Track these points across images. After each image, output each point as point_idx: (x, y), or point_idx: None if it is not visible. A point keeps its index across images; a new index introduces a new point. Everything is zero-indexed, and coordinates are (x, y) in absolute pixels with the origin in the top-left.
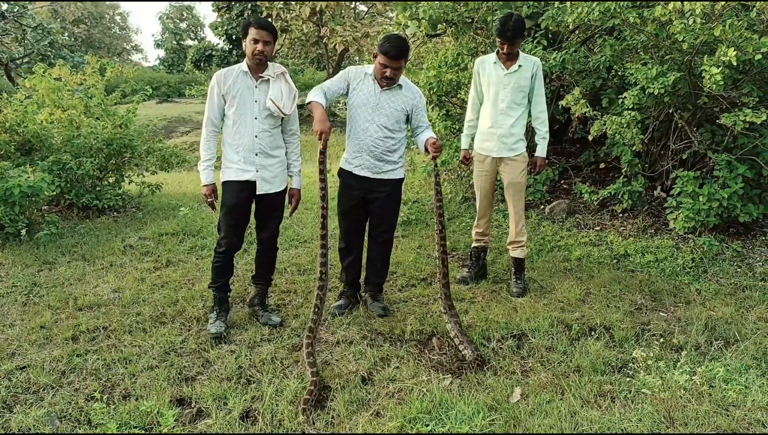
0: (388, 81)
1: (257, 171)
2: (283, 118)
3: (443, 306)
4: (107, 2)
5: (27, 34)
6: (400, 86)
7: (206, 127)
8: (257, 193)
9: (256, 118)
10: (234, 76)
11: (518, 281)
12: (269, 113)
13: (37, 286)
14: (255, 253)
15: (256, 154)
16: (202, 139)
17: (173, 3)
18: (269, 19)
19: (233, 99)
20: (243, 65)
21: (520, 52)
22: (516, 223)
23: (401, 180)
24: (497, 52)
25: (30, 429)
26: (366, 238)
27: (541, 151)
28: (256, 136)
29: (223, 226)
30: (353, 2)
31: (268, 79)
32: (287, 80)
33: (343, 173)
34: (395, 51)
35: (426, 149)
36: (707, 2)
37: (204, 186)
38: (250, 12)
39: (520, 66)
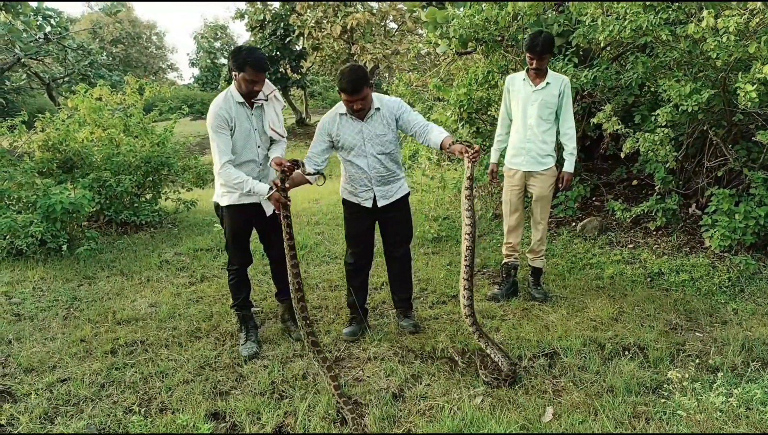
0: (359, 112)
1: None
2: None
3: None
4: (144, 22)
5: (68, 54)
6: (378, 109)
7: (225, 163)
8: (262, 215)
9: (259, 147)
10: (234, 109)
11: (539, 287)
12: (267, 137)
13: (78, 300)
14: (271, 273)
15: (260, 181)
16: (225, 176)
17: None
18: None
19: (236, 130)
20: (237, 96)
21: (549, 70)
22: (540, 233)
23: (408, 194)
24: (527, 70)
25: None
26: (384, 258)
27: (569, 166)
28: (260, 164)
29: (231, 247)
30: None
31: (261, 104)
32: (277, 98)
33: (349, 204)
34: (351, 87)
35: (442, 149)
36: (741, 20)
37: (267, 198)
38: (282, 31)
39: (548, 83)
